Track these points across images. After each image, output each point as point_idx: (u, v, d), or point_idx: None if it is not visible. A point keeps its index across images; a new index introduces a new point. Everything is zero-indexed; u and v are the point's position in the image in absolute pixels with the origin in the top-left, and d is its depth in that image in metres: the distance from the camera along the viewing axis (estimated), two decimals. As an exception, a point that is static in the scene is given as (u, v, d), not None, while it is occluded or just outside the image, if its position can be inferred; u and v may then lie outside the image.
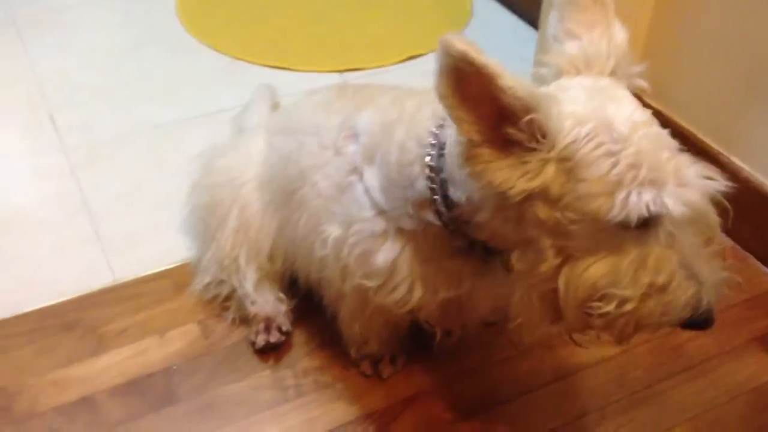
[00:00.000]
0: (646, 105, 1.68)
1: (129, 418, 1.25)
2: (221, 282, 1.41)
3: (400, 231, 1.09)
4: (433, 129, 1.03)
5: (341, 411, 1.27)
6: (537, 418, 1.27)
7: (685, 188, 0.85)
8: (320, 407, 1.28)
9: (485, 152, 0.87)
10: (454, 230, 1.04)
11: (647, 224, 0.86)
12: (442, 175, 1.01)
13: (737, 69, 1.48)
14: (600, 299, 0.90)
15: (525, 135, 0.85)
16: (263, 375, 1.32)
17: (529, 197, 0.89)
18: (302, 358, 1.35)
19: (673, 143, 0.88)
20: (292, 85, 1.95)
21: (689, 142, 1.60)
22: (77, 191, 1.69)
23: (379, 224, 1.11)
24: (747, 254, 1.54)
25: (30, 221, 1.61)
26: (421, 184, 1.03)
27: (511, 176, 0.87)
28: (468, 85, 0.83)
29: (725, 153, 1.55)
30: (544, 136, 0.85)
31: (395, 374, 1.32)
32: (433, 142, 1.02)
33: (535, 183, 0.87)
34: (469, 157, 0.88)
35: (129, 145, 1.82)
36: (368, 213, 1.12)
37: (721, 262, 0.93)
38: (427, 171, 1.02)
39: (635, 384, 1.32)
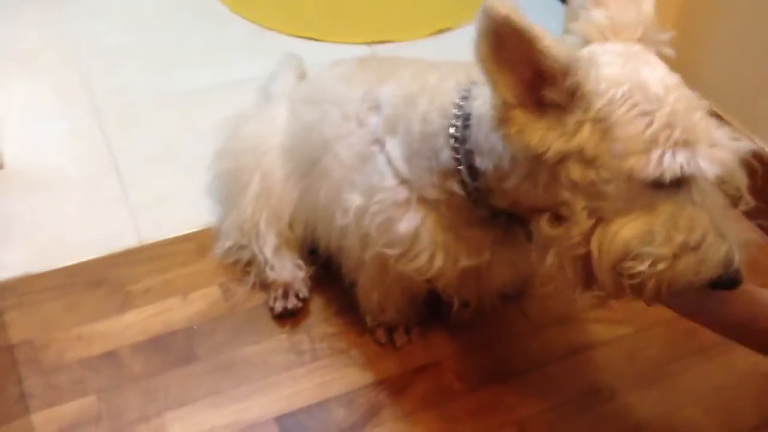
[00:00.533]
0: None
1: (150, 374, 1.30)
2: (242, 247, 1.44)
3: (422, 200, 1.11)
4: (457, 100, 1.05)
5: (354, 376, 1.31)
6: (547, 391, 1.29)
7: (717, 149, 0.86)
8: (334, 372, 1.31)
9: (520, 114, 0.89)
10: (477, 199, 1.06)
11: (679, 184, 0.88)
12: (467, 146, 1.03)
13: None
14: (633, 259, 0.91)
15: (563, 96, 0.87)
16: (280, 339, 1.36)
17: (564, 158, 0.90)
18: (319, 323, 1.38)
19: (704, 105, 0.89)
20: (321, 55, 1.95)
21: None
22: (108, 153, 1.73)
23: (402, 193, 1.12)
24: (768, 239, 1.53)
25: (62, 181, 1.65)
26: (446, 155, 1.05)
27: (547, 137, 0.89)
28: (507, 49, 0.85)
29: (751, 135, 1.54)
30: (581, 98, 0.87)
31: (409, 343, 1.35)
32: (458, 113, 1.04)
33: (572, 143, 0.88)
34: (504, 119, 0.89)
35: (159, 110, 1.86)
36: (390, 182, 1.13)
37: (747, 223, 0.96)
38: (452, 142, 1.04)
39: (647, 363, 1.33)
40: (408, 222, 1.12)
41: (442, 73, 1.13)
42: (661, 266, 0.90)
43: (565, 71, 0.85)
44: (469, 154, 1.03)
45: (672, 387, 1.30)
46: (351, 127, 1.24)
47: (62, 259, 1.48)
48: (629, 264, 0.91)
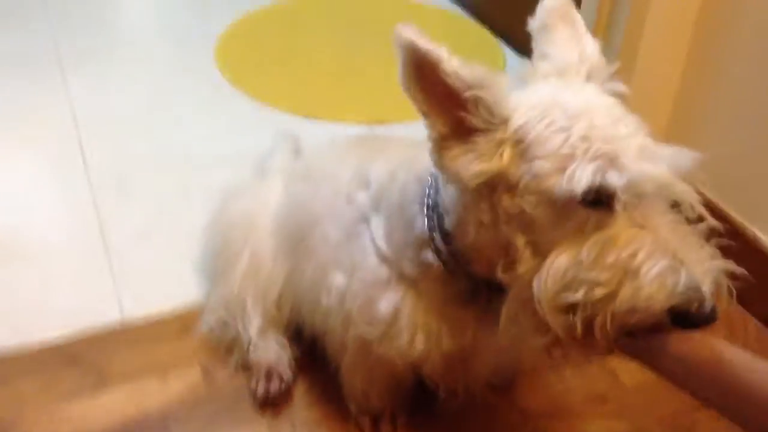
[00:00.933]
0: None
1: (120, 462, 1.24)
2: (226, 323, 1.39)
3: (402, 278, 1.07)
4: (433, 168, 1.01)
5: (337, 468, 1.24)
6: (538, 491, 1.22)
7: (640, 160, 0.80)
8: (316, 462, 1.25)
9: (453, 144, 0.88)
10: (453, 269, 1.02)
11: (610, 204, 0.81)
12: (439, 210, 1.01)
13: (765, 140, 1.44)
14: (568, 289, 0.84)
15: (480, 120, 0.86)
16: (261, 425, 1.30)
17: (494, 188, 0.88)
18: (302, 409, 1.32)
19: (641, 128, 0.84)
20: (318, 134, 1.96)
21: (713, 211, 1.54)
22: (97, 223, 1.70)
23: (383, 272, 1.09)
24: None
25: (46, 251, 1.62)
26: (420, 223, 1.03)
27: (472, 164, 0.87)
28: (425, 76, 0.85)
29: (749, 225, 1.50)
30: (499, 119, 0.85)
31: (394, 433, 1.28)
32: (432, 179, 1.02)
33: (491, 165, 0.86)
34: (437, 150, 0.89)
35: (154, 180, 1.85)
36: (372, 260, 1.10)
37: (713, 249, 0.84)
38: (425, 209, 1.02)
39: (645, 462, 1.27)
40: (387, 301, 1.08)
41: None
42: (598, 293, 0.82)
43: (470, 89, 0.84)
44: (441, 218, 1.00)
45: (672, 489, 1.23)
46: (339, 205, 1.21)
47: (40, 333, 1.43)
48: (564, 295, 0.84)
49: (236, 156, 1.90)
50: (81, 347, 1.41)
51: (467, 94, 0.85)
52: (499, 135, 0.86)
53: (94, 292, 1.53)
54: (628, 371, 1.40)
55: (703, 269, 0.81)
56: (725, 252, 1.52)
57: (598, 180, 0.80)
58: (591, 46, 0.94)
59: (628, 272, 0.81)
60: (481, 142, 0.87)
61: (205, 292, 1.47)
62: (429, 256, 1.03)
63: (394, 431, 1.29)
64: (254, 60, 2.37)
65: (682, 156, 0.82)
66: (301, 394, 1.35)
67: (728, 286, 0.84)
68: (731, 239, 1.53)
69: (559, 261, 0.85)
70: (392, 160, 1.16)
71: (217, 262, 1.43)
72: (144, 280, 1.57)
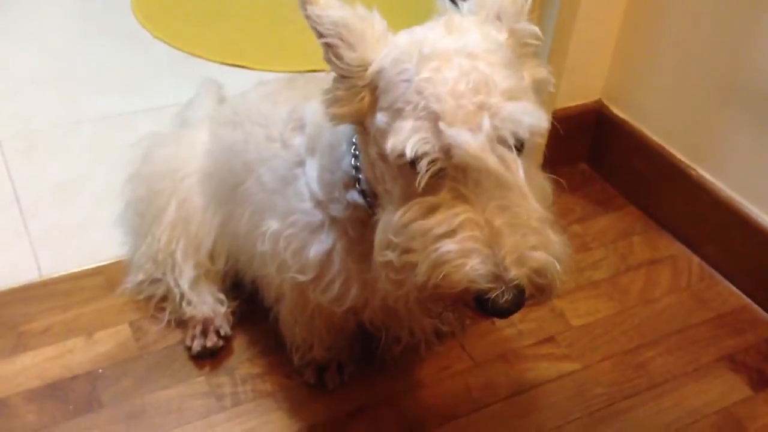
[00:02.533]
0: (614, 116, 1.63)
1: (45, 425, 1.14)
2: (156, 280, 1.31)
3: (333, 223, 1.03)
4: None
5: (281, 423, 1.18)
6: (492, 434, 1.18)
7: (459, 126, 0.75)
8: (258, 417, 1.18)
9: (331, 85, 0.87)
10: (376, 209, 0.96)
11: (441, 174, 0.77)
12: None
13: (709, 80, 1.43)
14: (387, 247, 0.82)
15: (333, 64, 0.84)
16: (198, 381, 1.22)
17: (360, 133, 0.88)
18: (242, 364, 1.25)
19: (502, 88, 0.77)
20: (247, 83, 1.85)
21: (658, 155, 1.55)
22: (7, 180, 1.58)
23: (316, 216, 1.04)
24: (713, 271, 1.48)
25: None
26: (347, 162, 0.99)
27: (328, 102, 0.87)
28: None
29: (695, 166, 1.49)
30: (343, 62, 0.83)
31: (341, 385, 1.23)
32: None
33: (347, 109, 0.85)
34: (325, 101, 0.88)
35: (70, 137, 1.73)
36: (306, 204, 1.05)
37: (540, 238, 0.78)
38: (353, 149, 0.97)
39: (596, 402, 1.24)
40: (319, 245, 1.03)
41: None
42: (405, 258, 0.79)
43: (323, 38, 0.83)
44: None
45: (624, 426, 1.21)
46: (275, 149, 1.15)
47: (-51, 296, 1.31)
48: (383, 253, 0.82)
49: (158, 109, 1.80)
50: (-4, 307, 1.30)
51: (320, 41, 0.83)
52: (356, 81, 0.84)
53: (8, 251, 1.42)
54: (576, 312, 1.38)
55: (515, 258, 0.76)
56: (673, 190, 1.53)
57: (409, 146, 0.76)
58: None
59: (433, 243, 0.77)
60: (341, 87, 0.85)
61: (130, 247, 1.38)
62: (355, 195, 0.99)
63: (340, 382, 1.22)
64: (173, 8, 2.24)
65: (527, 115, 0.77)
66: (240, 348, 1.27)
67: (550, 279, 0.78)
68: (676, 180, 1.54)
69: (385, 219, 0.84)
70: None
71: (141, 215, 1.34)
72: (62, 238, 1.46)
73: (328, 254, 1.03)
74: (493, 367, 1.28)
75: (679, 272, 1.48)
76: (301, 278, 1.05)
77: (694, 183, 1.50)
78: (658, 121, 1.57)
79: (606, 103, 1.66)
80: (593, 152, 1.71)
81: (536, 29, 0.86)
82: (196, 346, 1.24)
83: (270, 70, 1.97)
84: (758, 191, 1.40)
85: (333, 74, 0.87)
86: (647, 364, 1.30)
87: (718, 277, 1.48)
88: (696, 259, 1.51)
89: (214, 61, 2.01)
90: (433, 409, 1.21)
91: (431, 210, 0.78)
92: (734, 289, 1.45)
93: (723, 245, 1.47)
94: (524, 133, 0.77)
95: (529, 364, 1.29)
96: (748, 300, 1.43)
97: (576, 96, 1.64)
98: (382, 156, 0.82)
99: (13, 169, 1.61)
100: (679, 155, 1.53)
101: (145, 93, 1.88)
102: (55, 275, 1.37)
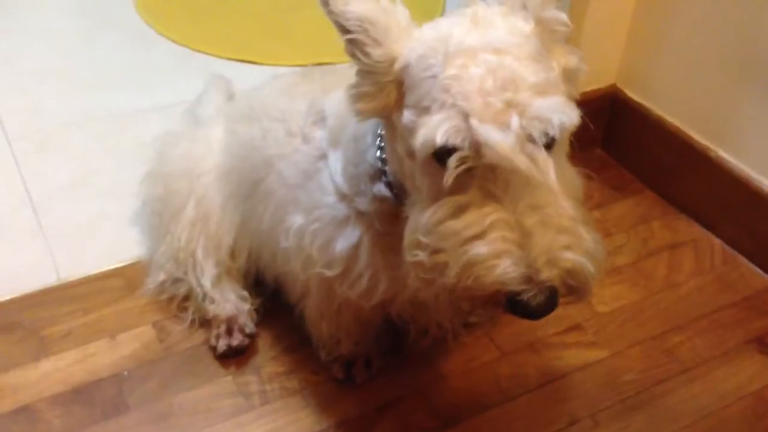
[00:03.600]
0: (630, 100, 1.62)
1: (72, 429, 1.12)
2: (177, 280, 1.29)
3: (359, 216, 1.01)
4: None
5: (310, 419, 1.16)
6: (525, 425, 1.17)
7: (490, 124, 0.73)
8: (287, 416, 1.16)
9: (356, 79, 0.85)
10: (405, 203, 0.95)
11: (471, 172, 0.75)
12: None
13: (725, 58, 1.41)
14: (417, 246, 0.80)
15: (357, 60, 0.82)
16: (225, 381, 1.20)
17: (395, 135, 0.85)
18: (268, 362, 1.24)
19: (530, 83, 0.75)
20: (256, 78, 1.81)
21: (675, 137, 1.53)
22: (20, 181, 1.56)
23: (341, 210, 1.02)
24: (737, 254, 1.47)
25: (-34, 214, 1.47)
26: (372, 154, 0.97)
27: (354, 98, 0.85)
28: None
29: (713, 147, 1.48)
30: (370, 58, 0.81)
31: (370, 379, 1.21)
32: None
33: (374, 105, 0.83)
34: (350, 97, 0.86)
35: (78, 135, 1.70)
36: (331, 198, 1.04)
37: (572, 238, 0.76)
38: (378, 140, 0.95)
39: (627, 389, 1.23)
40: (345, 240, 1.02)
41: None
42: (436, 258, 0.78)
43: (348, 34, 0.81)
44: None
45: (656, 413, 1.20)
46: (296, 144, 1.13)
47: (-32, 302, 1.29)
48: (414, 252, 0.81)
49: (166, 106, 1.78)
50: (16, 313, 1.28)
51: (344, 37, 0.81)
52: (382, 77, 0.82)
53: (25, 254, 1.40)
54: (602, 299, 1.37)
55: (547, 259, 0.74)
56: (691, 173, 1.51)
57: (440, 135, 0.74)
58: None
59: (464, 244, 0.75)
60: (366, 82, 0.83)
61: (149, 248, 1.36)
62: (381, 188, 0.97)
63: (369, 376, 1.21)
64: (177, 3, 2.21)
65: (557, 112, 0.75)
66: (266, 346, 1.26)
67: (583, 280, 0.77)
68: (694, 162, 1.52)
69: (414, 217, 0.82)
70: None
71: (159, 215, 1.33)
72: (78, 237, 1.44)
73: (355, 248, 1.02)
74: (521, 356, 1.27)
75: (702, 255, 1.47)
76: (328, 273, 1.04)
77: (713, 164, 1.48)
78: (674, 103, 1.55)
79: (621, 86, 1.64)
80: (608, 137, 1.69)
81: (564, 16, 0.83)
82: (222, 345, 1.22)
83: (278, 65, 1.95)
84: (778, 171, 1.39)
85: (356, 68, 0.85)
86: (676, 349, 1.29)
87: (741, 258, 1.46)
88: (718, 241, 1.50)
89: (220, 57, 1.98)
90: (464, 400, 1.20)
91: (461, 209, 0.76)
92: (758, 270, 1.44)
93: (745, 226, 1.46)
94: (554, 131, 0.75)
95: (557, 353, 1.28)
96: (773, 281, 1.42)
97: (590, 81, 1.63)
98: (410, 153, 0.81)
99: (24, 169, 1.59)
100: (697, 137, 1.51)
101: (152, 89, 1.86)
102: (74, 278, 1.35)
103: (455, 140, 0.74)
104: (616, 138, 1.68)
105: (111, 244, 1.42)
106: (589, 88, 1.62)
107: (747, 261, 1.46)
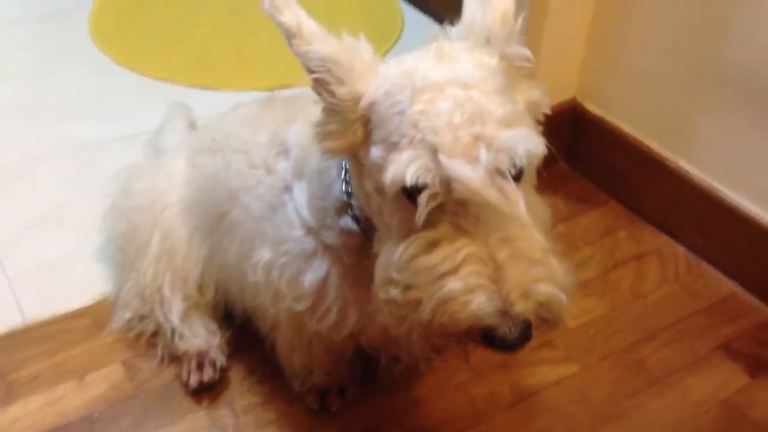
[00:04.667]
0: (590, 113, 1.64)
1: (43, 477, 1.11)
2: (144, 317, 1.28)
3: (327, 249, 1.01)
4: None
5: (286, 451, 1.16)
6: (500, 445, 1.18)
7: (459, 159, 0.73)
8: (263, 449, 1.16)
9: (321, 117, 0.85)
10: (371, 236, 0.95)
11: (441, 207, 0.76)
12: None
13: (682, 71, 1.44)
14: (389, 283, 0.81)
15: (323, 99, 0.83)
16: (199, 416, 1.20)
17: (355, 166, 0.87)
18: (242, 394, 1.23)
19: (497, 116, 0.75)
20: (218, 104, 1.82)
21: (636, 148, 1.56)
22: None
23: (308, 243, 1.02)
24: (700, 260, 1.50)
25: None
26: (337, 187, 0.97)
27: (321, 136, 0.85)
28: None
29: (672, 157, 1.51)
30: (335, 97, 0.82)
31: (344, 408, 1.21)
32: None
33: (339, 143, 0.84)
34: (316, 135, 0.86)
35: (42, 169, 1.69)
36: (298, 232, 1.03)
37: (544, 270, 0.77)
38: (343, 174, 0.95)
39: (599, 403, 1.24)
40: (313, 273, 1.01)
41: None
42: (409, 295, 0.78)
43: (314, 74, 0.81)
44: None
45: (630, 425, 1.21)
46: (259, 176, 1.13)
47: (-70, 348, 1.27)
48: (385, 289, 0.81)
49: (129, 136, 1.77)
50: (-20, 358, 1.26)
51: (311, 77, 0.82)
52: (348, 114, 0.82)
53: (-13, 296, 1.38)
54: (571, 315, 1.37)
55: (520, 293, 0.75)
56: (653, 183, 1.54)
57: (409, 174, 0.74)
58: (499, 4, 0.84)
59: (438, 280, 0.76)
60: (332, 120, 0.83)
61: (115, 284, 1.35)
62: (348, 221, 0.97)
63: (343, 405, 1.21)
64: (134, 32, 2.20)
65: (522, 142, 0.75)
66: (238, 378, 1.25)
67: (556, 311, 0.78)
68: (656, 172, 1.55)
69: (385, 254, 0.82)
70: (309, 122, 1.07)
71: (124, 250, 1.32)
72: (43, 277, 1.42)
73: (324, 282, 1.01)
74: (494, 376, 1.28)
75: (667, 264, 1.49)
76: (298, 307, 1.04)
77: (674, 174, 1.51)
78: (633, 115, 1.58)
79: (580, 100, 1.67)
80: (571, 150, 1.71)
81: (528, 52, 0.84)
82: (193, 381, 1.22)
83: (238, 89, 1.95)
84: (737, 178, 1.41)
85: (321, 106, 0.85)
86: (645, 361, 1.31)
87: (705, 265, 1.49)
88: (681, 249, 1.52)
89: (180, 84, 1.97)
90: (439, 424, 1.21)
91: (433, 245, 0.77)
92: (722, 276, 1.46)
93: (707, 234, 1.48)
94: (521, 161, 0.75)
95: (529, 370, 1.29)
96: (736, 286, 1.44)
97: (551, 95, 1.58)
98: (379, 190, 0.81)
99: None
100: (657, 148, 1.54)
101: (114, 120, 1.84)
102: (40, 319, 1.33)
103: (425, 179, 0.74)
104: (578, 151, 1.70)
105: (77, 281, 1.40)
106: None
107: (711, 268, 1.48)
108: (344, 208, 0.97)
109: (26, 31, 2.18)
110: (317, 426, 1.19)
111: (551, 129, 1.68)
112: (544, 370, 1.29)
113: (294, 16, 0.82)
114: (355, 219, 0.96)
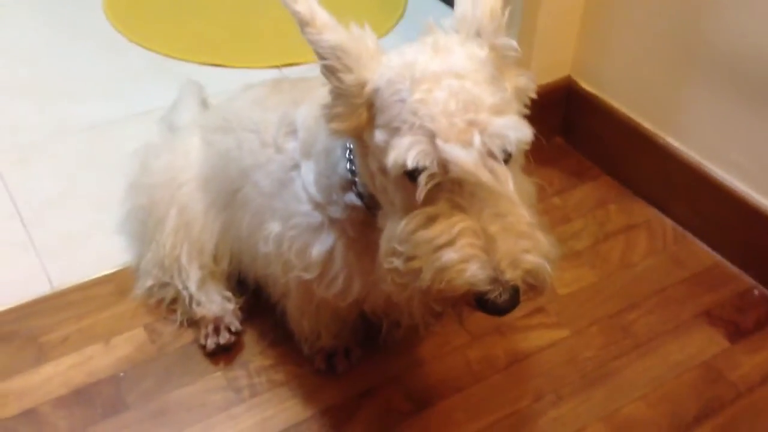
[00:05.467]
0: (584, 91, 1.71)
1: (77, 429, 1.20)
2: (165, 284, 1.37)
3: (333, 223, 1.09)
4: None
5: (297, 409, 1.25)
6: (494, 403, 1.27)
7: (454, 143, 0.81)
8: (275, 406, 1.25)
9: (330, 99, 0.93)
10: (375, 211, 1.04)
11: (439, 186, 0.84)
12: None
13: (671, 51, 1.51)
14: (393, 254, 0.89)
15: (332, 84, 0.90)
16: (215, 377, 1.29)
17: (366, 152, 0.93)
18: (255, 356, 1.32)
19: (489, 104, 0.83)
20: (229, 81, 1.89)
21: (627, 125, 1.63)
22: (6, 195, 1.62)
23: (316, 217, 1.11)
24: (686, 232, 1.58)
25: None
26: (342, 167, 1.05)
27: (329, 117, 0.93)
28: None
29: (661, 133, 1.58)
30: (343, 83, 0.89)
31: (350, 369, 1.30)
32: None
33: (346, 125, 0.91)
34: (325, 116, 0.94)
35: (59, 146, 1.76)
36: (305, 207, 1.12)
37: (531, 242, 0.85)
38: (347, 153, 1.03)
39: (587, 365, 1.33)
40: (320, 245, 1.10)
41: None
42: (410, 265, 0.86)
43: (325, 60, 0.88)
44: None
45: (615, 385, 1.30)
46: (269, 154, 1.20)
47: (-35, 315, 1.36)
48: (389, 260, 0.89)
49: (143, 114, 1.84)
50: (13, 322, 1.35)
51: (321, 63, 0.89)
52: (354, 99, 0.89)
53: (17, 265, 1.47)
54: (563, 282, 1.47)
55: (510, 261, 0.83)
56: (642, 158, 1.61)
57: (410, 159, 0.82)
58: (483, 3, 0.91)
59: (436, 251, 0.84)
60: (339, 104, 0.91)
61: (136, 255, 1.43)
62: (352, 197, 1.05)
63: (349, 366, 1.30)
64: (147, 10, 2.26)
65: (513, 129, 0.83)
66: (252, 342, 1.34)
67: (542, 278, 0.86)
68: (645, 148, 1.63)
69: (389, 228, 0.90)
70: (316, 104, 1.15)
71: (144, 224, 1.39)
72: (68, 247, 1.51)
73: (330, 252, 1.10)
74: (490, 339, 1.37)
75: (655, 235, 1.58)
76: (306, 276, 1.12)
77: (662, 150, 1.58)
78: (625, 93, 1.65)
79: (575, 78, 1.74)
80: (566, 126, 1.79)
81: (514, 43, 0.92)
82: (210, 343, 1.31)
83: (249, 67, 2.02)
84: (721, 154, 1.49)
85: (329, 89, 0.93)
86: (631, 326, 1.40)
87: (691, 237, 1.57)
88: (669, 222, 1.60)
89: (192, 62, 2.04)
90: (438, 383, 1.30)
91: (431, 220, 0.85)
92: (706, 247, 1.55)
93: (692, 207, 1.56)
94: (511, 147, 0.84)
95: (522, 335, 1.38)
96: (719, 257, 1.53)
97: (546, 73, 1.71)
98: (383, 169, 0.89)
99: (10, 183, 1.64)
100: (646, 124, 1.62)
101: (127, 98, 1.91)
102: (66, 286, 1.42)
103: (424, 162, 0.83)
104: (573, 127, 1.78)
105: (100, 252, 1.48)
106: (545, 81, 1.72)
107: (696, 239, 1.57)
108: (349, 185, 1.05)
109: (39, 10, 2.23)
110: (325, 385, 1.28)
111: (548, 105, 1.77)
112: (536, 334, 1.38)
113: (307, 5, 0.89)
114: (359, 195, 1.05)
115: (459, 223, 0.84)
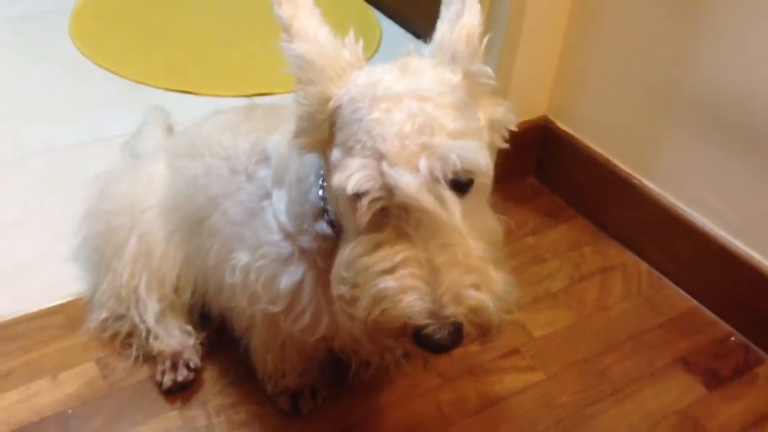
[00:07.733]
0: (560, 131, 1.69)
1: (16, 472, 1.12)
2: (120, 317, 1.29)
3: (303, 254, 1.04)
4: None
5: (258, 452, 1.18)
6: (465, 450, 1.21)
7: (401, 167, 0.77)
8: (235, 449, 1.18)
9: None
10: None
11: (387, 212, 0.80)
12: None
13: (647, 94, 1.50)
14: (339, 281, 0.85)
15: (304, 98, 0.87)
16: (171, 416, 1.21)
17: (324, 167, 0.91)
18: (214, 395, 1.25)
19: (449, 129, 0.79)
20: (196, 109, 1.83)
21: (603, 166, 1.61)
22: (-44, 220, 1.53)
23: (285, 247, 1.06)
24: (662, 276, 1.55)
25: None
26: (315, 193, 1.01)
27: (295, 132, 0.90)
28: None
29: (637, 175, 1.56)
30: (306, 99, 0.86)
31: (315, 410, 1.23)
32: None
33: (308, 140, 0.88)
34: (293, 130, 0.91)
35: (18, 171, 1.69)
36: (275, 236, 1.07)
37: (480, 277, 0.79)
38: (320, 180, 0.99)
39: (562, 410, 1.28)
40: (289, 277, 1.05)
41: None
42: (352, 292, 0.82)
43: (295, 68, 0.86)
44: None
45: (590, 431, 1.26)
46: (240, 182, 1.16)
47: None
48: (337, 286, 0.85)
49: (107, 139, 1.78)
50: (-46, 354, 1.26)
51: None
52: (317, 114, 0.86)
53: (-39, 293, 1.38)
54: (537, 323, 1.43)
55: (452, 296, 0.78)
56: (618, 200, 1.59)
57: (351, 183, 0.78)
58: (468, 21, 0.88)
59: (374, 279, 0.80)
60: (303, 117, 0.87)
61: (90, 285, 1.36)
62: (323, 226, 1.01)
63: (314, 407, 1.24)
64: (115, 35, 2.21)
65: (457, 151, 0.78)
66: (212, 379, 1.27)
67: (487, 318, 0.80)
68: (621, 190, 1.61)
69: (340, 253, 0.86)
70: (289, 132, 1.10)
71: (101, 252, 1.33)
72: (16, 277, 1.43)
73: (299, 285, 1.05)
74: (462, 382, 1.31)
75: (630, 279, 1.55)
76: (273, 309, 1.07)
77: (638, 192, 1.57)
78: (601, 134, 1.64)
79: (551, 118, 1.72)
80: (541, 166, 1.77)
81: (489, 70, 0.89)
82: (167, 381, 1.23)
83: (216, 96, 1.97)
84: (697, 198, 1.47)
85: (297, 102, 0.89)
86: (607, 370, 1.36)
87: (666, 281, 1.55)
88: (644, 265, 1.58)
89: (159, 88, 1.99)
90: (407, 428, 1.24)
91: (376, 246, 0.80)
92: (681, 292, 1.52)
93: (668, 251, 1.54)
94: (456, 168, 0.78)
95: (496, 377, 1.33)
96: (695, 302, 1.50)
97: (522, 113, 1.70)
98: (336, 192, 0.84)
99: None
100: (622, 166, 1.60)
101: (91, 122, 1.85)
102: (13, 316, 1.34)
103: (366, 186, 0.78)
104: (548, 167, 1.76)
105: (51, 281, 1.41)
106: (521, 120, 1.69)
107: (671, 283, 1.54)
108: (320, 213, 1.01)
109: (6, 32, 2.18)
110: (288, 428, 1.21)
111: (523, 145, 1.74)
112: (510, 377, 1.33)
113: (290, 11, 0.86)
114: (330, 223, 1.00)
115: (402, 251, 0.79)
